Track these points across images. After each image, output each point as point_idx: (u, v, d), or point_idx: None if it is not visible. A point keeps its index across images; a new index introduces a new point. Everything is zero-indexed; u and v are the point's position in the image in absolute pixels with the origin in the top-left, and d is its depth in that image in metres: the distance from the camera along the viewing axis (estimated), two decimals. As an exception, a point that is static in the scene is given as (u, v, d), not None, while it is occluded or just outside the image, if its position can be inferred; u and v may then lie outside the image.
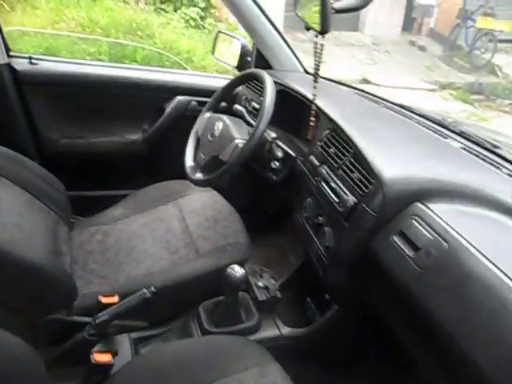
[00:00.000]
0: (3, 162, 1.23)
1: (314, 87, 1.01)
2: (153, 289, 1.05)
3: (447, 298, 0.78)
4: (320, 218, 1.10)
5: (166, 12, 6.03)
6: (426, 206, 0.89)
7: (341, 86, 1.60)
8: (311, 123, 1.13)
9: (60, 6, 5.29)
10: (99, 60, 4.05)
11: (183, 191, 1.51)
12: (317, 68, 0.93)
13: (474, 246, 0.78)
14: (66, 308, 1.12)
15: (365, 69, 7.24)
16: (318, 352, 1.22)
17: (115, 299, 1.09)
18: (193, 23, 6.15)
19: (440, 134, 1.20)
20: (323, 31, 0.81)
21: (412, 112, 1.36)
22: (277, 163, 1.31)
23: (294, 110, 1.47)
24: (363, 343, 1.23)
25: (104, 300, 1.09)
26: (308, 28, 0.87)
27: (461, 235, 0.80)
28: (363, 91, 1.54)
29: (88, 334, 1.03)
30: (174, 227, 1.39)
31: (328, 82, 1.56)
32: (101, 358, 1.00)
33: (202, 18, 6.27)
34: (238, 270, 1.08)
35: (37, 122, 1.57)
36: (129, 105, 1.67)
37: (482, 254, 0.76)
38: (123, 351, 1.14)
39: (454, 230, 0.81)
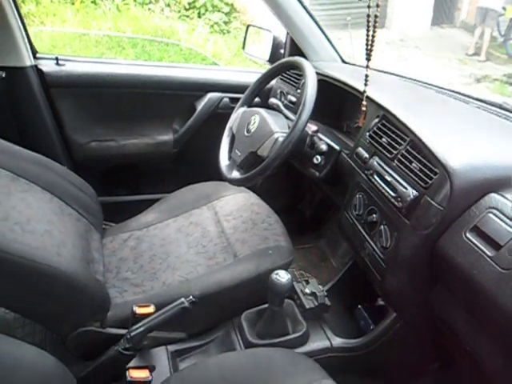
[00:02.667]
0: (32, 167, 1.18)
1: (367, 66, 0.90)
2: (191, 298, 0.97)
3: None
4: (374, 215, 0.98)
5: (191, 18, 6.04)
6: (504, 196, 0.77)
7: (386, 74, 1.48)
8: (363, 107, 1.01)
9: (87, 18, 5.39)
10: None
11: (217, 193, 1.43)
12: (371, 44, 0.83)
13: None
14: (98, 320, 1.05)
15: (394, 66, 7.05)
16: (375, 366, 1.10)
17: (151, 309, 1.01)
18: (217, 28, 6.14)
19: (505, 118, 1.07)
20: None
21: (468, 97, 1.23)
22: (319, 158, 1.21)
23: (334, 102, 1.36)
24: (423, 356, 1.10)
25: (139, 310, 1.01)
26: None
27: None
28: (411, 78, 1.42)
29: (123, 348, 0.95)
30: (209, 231, 1.30)
31: (372, 70, 1.46)
32: (137, 374, 0.92)
33: (225, 22, 6.26)
34: (283, 276, 0.98)
35: (65, 125, 1.52)
36: (158, 104, 1.61)
37: None
38: (161, 366, 1.05)
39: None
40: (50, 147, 1.46)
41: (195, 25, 5.86)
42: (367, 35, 0.82)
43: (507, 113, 1.11)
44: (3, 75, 1.35)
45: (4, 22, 1.32)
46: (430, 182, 0.84)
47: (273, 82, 1.52)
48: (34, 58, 1.43)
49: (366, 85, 0.96)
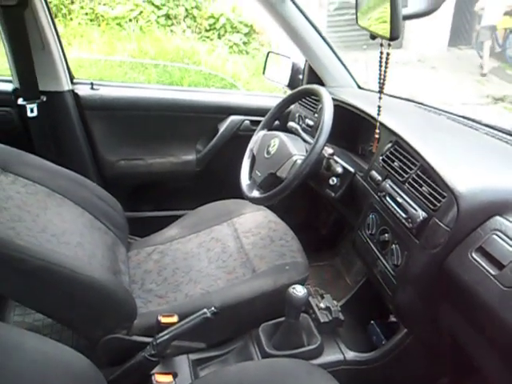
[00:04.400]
0: (66, 182, 1.27)
1: (380, 98, 0.97)
2: (213, 309, 1.03)
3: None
4: (386, 235, 1.04)
5: (211, 39, 6.23)
6: (507, 219, 0.82)
7: (399, 100, 1.55)
8: (376, 135, 1.08)
9: (112, 39, 5.61)
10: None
11: (237, 210, 1.50)
12: (383, 78, 0.90)
13: None
14: (125, 327, 1.11)
15: (410, 86, 7.08)
16: (386, 380, 1.14)
17: (175, 319, 1.08)
18: (236, 49, 6.31)
19: (509, 143, 1.12)
20: (394, 37, 0.78)
21: (478, 123, 1.29)
22: (335, 179, 1.28)
23: (349, 126, 1.43)
24: (433, 371, 1.14)
25: (164, 320, 1.08)
26: (374, 37, 0.84)
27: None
28: (423, 104, 1.48)
29: (149, 355, 1.02)
30: (229, 247, 1.37)
31: (386, 96, 1.53)
32: (162, 379, 0.99)
33: (245, 43, 6.43)
34: (300, 290, 1.04)
35: (97, 144, 1.63)
36: (183, 126, 1.71)
37: None
38: (182, 373, 1.12)
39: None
40: (82, 165, 1.57)
41: (215, 45, 6.04)
42: (380, 70, 0.89)
43: (513, 138, 1.17)
44: (44, 99, 1.46)
45: (47, 50, 1.45)
46: (439, 204, 0.90)
47: (292, 107, 1.60)
48: (72, 83, 1.55)
49: (378, 115, 1.03)
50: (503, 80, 7.49)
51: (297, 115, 1.60)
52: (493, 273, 0.78)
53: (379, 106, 1.00)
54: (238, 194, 1.38)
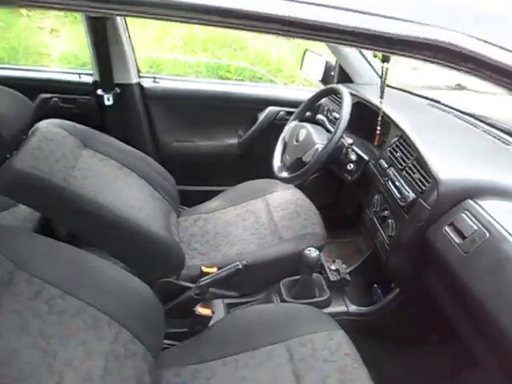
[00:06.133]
0: (132, 159, 1.58)
1: (380, 102, 1.21)
2: (244, 262, 1.32)
3: (487, 279, 0.93)
4: (386, 211, 1.29)
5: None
6: (476, 202, 1.05)
7: (413, 97, 1.75)
8: (377, 132, 1.32)
9: (164, 23, 5.92)
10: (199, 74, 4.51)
11: (270, 188, 1.75)
12: (382, 89, 1.14)
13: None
14: (175, 274, 1.42)
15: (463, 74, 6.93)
16: (381, 330, 1.40)
17: (214, 270, 1.37)
18: (283, 35, 6.44)
19: (503, 141, 1.32)
20: (385, 60, 1.01)
21: (481, 121, 1.48)
22: (352, 165, 1.52)
23: (368, 120, 1.66)
24: (423, 327, 1.37)
25: (205, 269, 1.38)
26: (374, 55, 1.07)
27: (502, 226, 0.95)
28: (435, 101, 1.67)
29: (194, 294, 1.32)
30: (261, 218, 1.64)
31: (401, 92, 1.72)
32: (203, 311, 1.29)
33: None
34: (313, 252, 1.31)
35: (156, 128, 1.94)
36: (228, 114, 1.98)
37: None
38: (218, 312, 1.41)
39: (497, 222, 0.96)
40: (144, 145, 1.87)
41: (262, 31, 6.21)
42: (381, 80, 1.12)
43: (509, 137, 1.36)
44: (118, 91, 1.79)
45: (121, 48, 1.76)
46: (424, 188, 1.13)
47: (322, 100, 1.84)
48: (139, 77, 1.87)
49: (378, 125, 1.27)
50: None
51: (326, 108, 1.83)
52: (457, 242, 1.01)
53: (379, 108, 1.23)
54: (271, 174, 1.64)
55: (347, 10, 0.53)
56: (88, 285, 0.99)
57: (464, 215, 1.04)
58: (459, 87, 6.50)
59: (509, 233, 0.93)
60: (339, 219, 2.00)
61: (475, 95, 6.13)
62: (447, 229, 1.06)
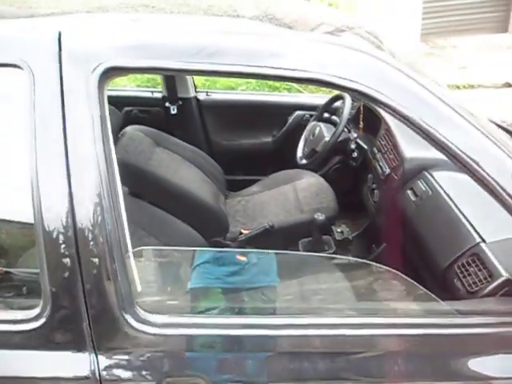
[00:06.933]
0: (191, 154, 2.13)
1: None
2: (271, 223, 1.81)
3: (427, 222, 1.36)
4: (374, 185, 1.73)
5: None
6: (429, 173, 1.47)
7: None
8: (360, 126, 1.78)
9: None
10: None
11: (298, 176, 2.21)
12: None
13: (446, 194, 1.35)
14: (222, 236, 1.93)
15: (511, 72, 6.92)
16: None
17: (249, 231, 1.89)
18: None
19: None
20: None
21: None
22: (355, 153, 1.97)
23: (373, 118, 2.09)
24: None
25: (243, 231, 1.89)
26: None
27: (440, 186, 1.38)
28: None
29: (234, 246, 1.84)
30: (289, 198, 2.12)
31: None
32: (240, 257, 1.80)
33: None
34: (320, 216, 1.77)
35: (208, 131, 2.49)
36: (264, 118, 2.47)
37: (450, 199, 1.33)
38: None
39: (437, 184, 1.39)
40: (200, 143, 2.40)
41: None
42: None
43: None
44: (180, 103, 2.37)
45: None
46: (395, 164, 1.57)
47: (337, 103, 2.28)
48: (195, 91, 2.43)
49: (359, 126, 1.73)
50: None
51: (340, 110, 2.28)
52: (413, 199, 1.45)
53: (361, 108, 1.69)
54: (298, 165, 2.12)
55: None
56: (164, 231, 1.53)
57: (419, 182, 1.47)
58: (507, 85, 6.55)
59: (444, 190, 1.36)
60: (355, 203, 2.40)
61: (522, 93, 6.16)
62: (408, 192, 1.49)
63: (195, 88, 2.44)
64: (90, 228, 0.81)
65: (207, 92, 2.47)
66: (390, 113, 0.84)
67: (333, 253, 1.85)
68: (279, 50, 0.84)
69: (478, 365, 0.88)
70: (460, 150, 0.81)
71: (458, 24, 7.52)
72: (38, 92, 0.80)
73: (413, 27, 6.92)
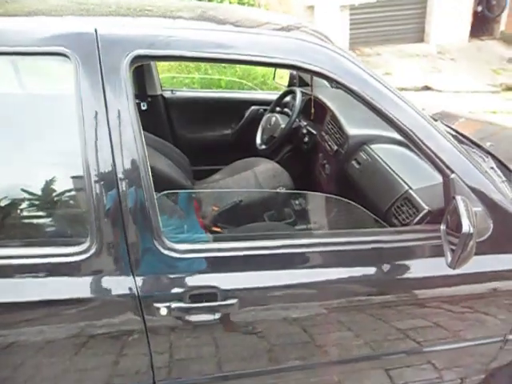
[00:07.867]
0: (160, 145, 2.37)
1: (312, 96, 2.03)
2: (240, 198, 2.11)
3: (369, 182, 1.73)
4: (325, 161, 2.09)
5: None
6: (368, 146, 1.85)
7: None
8: (311, 112, 2.14)
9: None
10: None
11: (256, 163, 2.52)
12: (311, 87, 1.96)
13: (382, 160, 1.72)
14: (196, 214, 2.20)
15: (428, 77, 7.73)
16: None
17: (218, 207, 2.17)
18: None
19: None
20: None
21: None
22: (306, 138, 2.33)
23: (321, 109, 2.47)
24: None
25: (214, 208, 2.17)
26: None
27: (378, 155, 1.75)
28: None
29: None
30: (251, 182, 2.42)
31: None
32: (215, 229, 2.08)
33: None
34: (282, 188, 2.10)
35: (174, 125, 2.74)
36: (224, 112, 2.77)
37: (385, 162, 1.70)
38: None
39: (375, 153, 1.76)
40: (167, 137, 2.66)
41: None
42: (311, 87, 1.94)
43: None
44: (149, 99, 2.60)
45: (154, 71, 2.58)
46: (341, 142, 1.93)
47: (288, 98, 2.64)
48: (161, 89, 2.68)
49: (312, 107, 2.09)
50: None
51: (291, 104, 2.64)
52: (357, 167, 1.81)
53: (312, 99, 2.05)
54: (256, 153, 2.43)
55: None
56: None
57: (361, 153, 1.84)
58: (426, 88, 7.34)
59: (380, 157, 1.73)
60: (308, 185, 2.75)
61: (438, 94, 6.99)
62: (353, 162, 1.86)
63: (161, 86, 2.69)
64: (127, 176, 1.06)
65: (172, 90, 2.73)
66: (342, 89, 1.17)
67: (293, 221, 2.18)
68: (251, 39, 1.14)
69: (413, 267, 1.25)
70: (395, 118, 1.17)
71: (381, 34, 8.42)
72: (80, 74, 1.05)
73: (342, 37, 7.60)
